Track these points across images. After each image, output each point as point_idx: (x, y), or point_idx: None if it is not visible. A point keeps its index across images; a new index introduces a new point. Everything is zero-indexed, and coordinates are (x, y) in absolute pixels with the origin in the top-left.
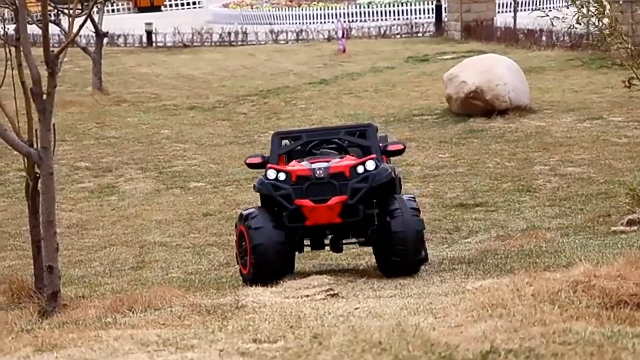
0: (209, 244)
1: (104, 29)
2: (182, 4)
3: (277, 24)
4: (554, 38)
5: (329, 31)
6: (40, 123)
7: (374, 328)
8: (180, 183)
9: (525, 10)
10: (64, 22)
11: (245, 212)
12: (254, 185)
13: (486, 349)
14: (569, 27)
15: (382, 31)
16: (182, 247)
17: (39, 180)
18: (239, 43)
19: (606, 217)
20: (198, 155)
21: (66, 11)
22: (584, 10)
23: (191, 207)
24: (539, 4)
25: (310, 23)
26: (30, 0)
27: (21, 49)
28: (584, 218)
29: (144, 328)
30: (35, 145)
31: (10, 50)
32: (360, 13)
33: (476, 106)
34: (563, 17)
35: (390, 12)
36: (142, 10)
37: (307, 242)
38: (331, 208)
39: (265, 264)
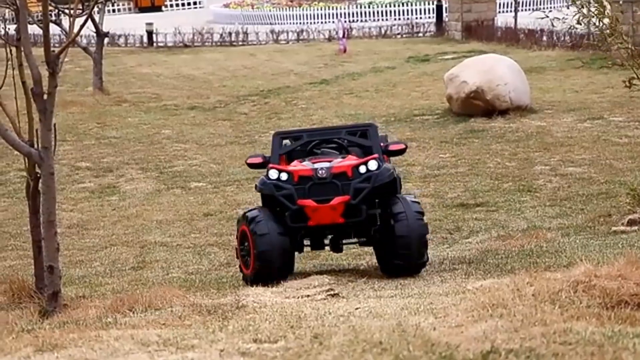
0: (210, 244)
1: (104, 29)
2: (183, 4)
3: (278, 24)
4: (555, 38)
5: (330, 31)
6: (41, 123)
7: (375, 328)
8: (181, 183)
9: (526, 10)
10: (65, 22)
11: (249, 214)
12: (256, 186)
13: (487, 349)
14: (570, 28)
15: (383, 31)
16: (182, 247)
17: (40, 180)
18: (240, 43)
19: (607, 217)
20: (199, 155)
21: (67, 11)
22: (584, 10)
23: (192, 207)
24: (540, 4)
25: (311, 23)
26: (31, 1)
27: (22, 49)
28: (585, 218)
29: (144, 328)
30: (36, 145)
31: (11, 50)
32: (361, 13)
33: (477, 106)
34: (563, 18)
35: (391, 12)
36: (142, 10)
37: (306, 242)
38: (334, 208)
39: (269, 267)
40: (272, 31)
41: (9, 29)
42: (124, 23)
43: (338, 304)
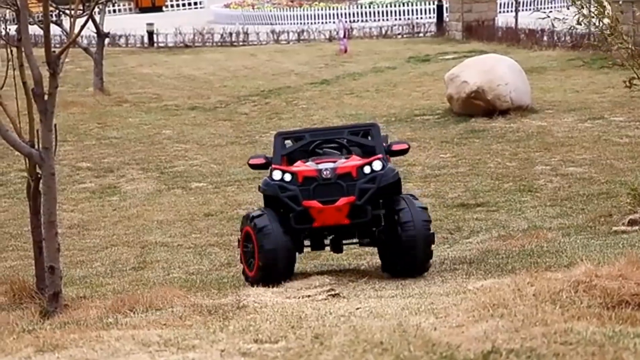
0: (210, 244)
1: (105, 29)
2: (184, 4)
3: (279, 24)
4: (555, 38)
5: (331, 31)
6: (41, 123)
7: (376, 328)
8: (182, 183)
9: (526, 10)
10: (66, 22)
11: (253, 216)
12: (259, 187)
13: (487, 349)
14: (570, 28)
15: (384, 31)
16: (183, 247)
17: (41, 181)
18: (241, 43)
19: (607, 217)
20: (199, 156)
21: (67, 12)
22: (585, 10)
23: (192, 207)
24: (540, 4)
25: (311, 23)
26: (31, 1)
27: (23, 49)
28: (586, 218)
29: (145, 328)
30: (36, 146)
31: (11, 51)
32: (362, 13)
33: (477, 106)
34: (564, 18)
35: (391, 12)
36: (143, 10)
37: (306, 242)
38: (339, 209)
39: (273, 268)
40: (272, 31)
41: (9, 29)
42: (125, 23)
43: (339, 304)
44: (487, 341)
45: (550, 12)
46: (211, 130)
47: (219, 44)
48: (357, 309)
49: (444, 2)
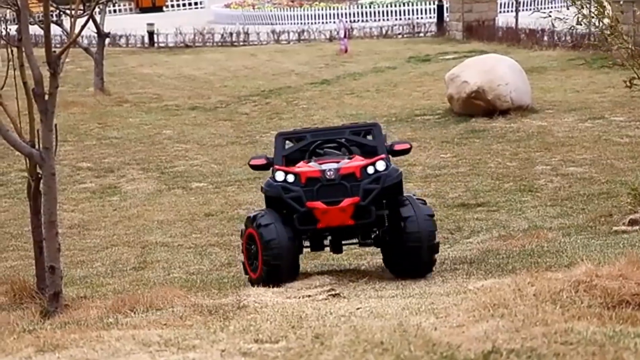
0: (211, 244)
1: (105, 29)
2: (184, 5)
3: (279, 24)
4: (556, 38)
5: (331, 31)
6: (42, 124)
7: (376, 328)
8: (182, 183)
9: (527, 10)
10: (66, 22)
11: (256, 217)
12: (262, 187)
13: (488, 349)
14: (570, 28)
15: (384, 31)
16: (183, 247)
17: (41, 181)
18: (241, 43)
19: (608, 217)
20: (200, 156)
21: (68, 12)
22: (585, 10)
23: (193, 207)
24: (540, 4)
25: (312, 23)
26: (32, 1)
27: (23, 49)
28: (586, 218)
29: (145, 328)
30: (37, 146)
31: (12, 51)
32: (362, 13)
33: (478, 106)
34: (564, 18)
35: (391, 12)
36: (143, 10)
37: (305, 242)
38: (343, 210)
39: (278, 270)
40: (273, 31)
41: (10, 29)
42: (125, 23)
43: (339, 304)
44: (487, 341)
45: (551, 12)
46: (211, 130)
47: (220, 44)
48: (358, 309)
49: (445, 2)
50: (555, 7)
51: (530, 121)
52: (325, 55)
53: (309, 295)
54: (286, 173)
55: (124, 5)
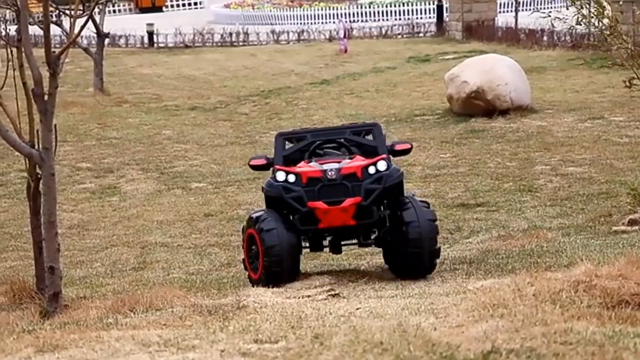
0: (210, 244)
1: (105, 29)
2: (184, 5)
3: (279, 24)
4: (555, 38)
5: (331, 31)
6: (41, 124)
7: (375, 328)
8: (182, 183)
9: (526, 10)
10: (66, 22)
11: (256, 217)
12: (262, 187)
13: (487, 349)
14: (570, 28)
15: (384, 31)
16: (183, 247)
17: (41, 181)
18: (241, 43)
19: (607, 217)
20: (199, 156)
21: (67, 12)
22: (584, 10)
23: (192, 207)
24: (540, 4)
25: (311, 23)
26: (31, 1)
27: (23, 49)
28: (585, 218)
29: (145, 329)
30: (36, 146)
31: (11, 51)
32: (362, 13)
33: (477, 106)
34: (564, 18)
35: (391, 12)
36: (143, 10)
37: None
38: (345, 210)
39: (279, 270)
40: (272, 31)
41: (9, 29)
42: (125, 24)
43: (339, 304)
44: (487, 341)
45: (550, 12)
46: (211, 130)
47: (219, 44)
48: (357, 309)
49: (444, 2)
50: (554, 7)
51: (529, 121)
52: (324, 55)
53: (309, 296)
54: (287, 173)
55: (124, 5)
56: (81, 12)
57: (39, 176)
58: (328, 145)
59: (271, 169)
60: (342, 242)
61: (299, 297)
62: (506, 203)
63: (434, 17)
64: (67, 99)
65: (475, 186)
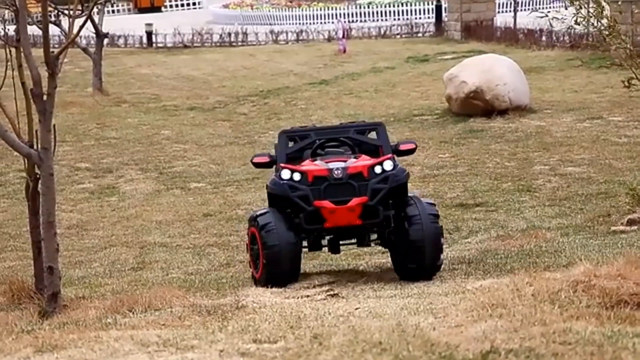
0: (209, 244)
1: (104, 29)
2: (182, 5)
3: (277, 24)
4: (554, 38)
5: (329, 31)
6: (40, 124)
7: (374, 328)
8: (181, 184)
9: (525, 10)
10: (64, 22)
11: (257, 217)
12: (267, 185)
13: (486, 348)
14: (569, 28)
15: (382, 31)
16: (182, 247)
17: (39, 181)
18: (239, 43)
19: (606, 216)
20: (198, 156)
21: (66, 12)
22: (583, 11)
23: (191, 207)
24: (539, 4)
25: (310, 23)
26: (30, 1)
27: (21, 49)
28: (584, 218)
29: (144, 329)
30: (35, 146)
31: (10, 51)
32: (361, 13)
33: (476, 106)
34: (562, 18)
35: (390, 12)
36: (142, 10)
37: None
38: (352, 209)
39: (278, 268)
40: (271, 32)
41: (8, 29)
42: (124, 24)
43: (338, 304)
44: (485, 341)
45: (549, 12)
46: (210, 130)
47: (218, 44)
48: (356, 309)
49: (443, 2)
50: (553, 7)
51: (528, 121)
52: (323, 55)
53: (308, 296)
54: (292, 171)
55: (123, 5)
56: (80, 12)
57: (38, 176)
58: (330, 144)
59: (274, 166)
60: (341, 242)
61: (298, 297)
62: (505, 203)
63: (432, 17)
64: (66, 99)
65: (474, 186)
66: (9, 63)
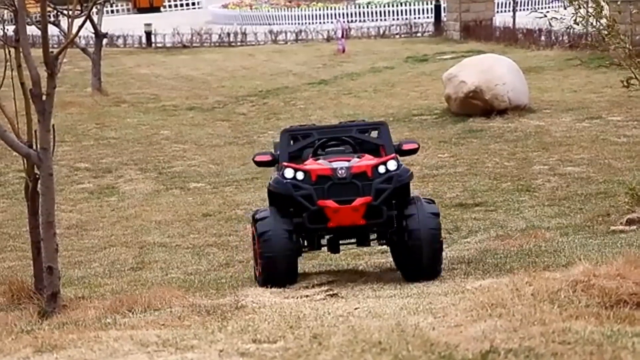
0: (209, 244)
1: (103, 29)
2: (182, 5)
3: (276, 24)
4: (553, 38)
5: (328, 31)
6: (39, 124)
7: (374, 328)
8: (180, 184)
9: (524, 10)
10: (63, 23)
11: (257, 216)
12: (269, 184)
13: (486, 348)
14: (568, 28)
15: (381, 31)
16: (181, 247)
17: (39, 181)
18: (238, 43)
19: (605, 216)
20: (197, 156)
21: (65, 12)
22: (582, 10)
23: (191, 207)
24: (538, 4)
25: (309, 23)
26: (29, 1)
27: (20, 50)
28: (584, 217)
29: (143, 329)
30: (34, 146)
31: (9, 52)
32: (360, 13)
33: (475, 106)
34: (561, 18)
35: (389, 12)
36: (141, 11)
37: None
38: (356, 209)
39: (274, 267)
40: (270, 32)
41: (7, 30)
42: (123, 24)
43: (337, 304)
44: (485, 341)
45: (548, 11)
46: (209, 130)
47: (217, 44)
48: (356, 308)
49: (442, 2)
50: (552, 7)
51: (527, 121)
52: (322, 55)
53: (307, 296)
54: (296, 170)
55: (122, 5)
56: (79, 12)
57: (37, 176)
58: (331, 143)
59: (276, 165)
60: (341, 242)
61: (297, 297)
62: (504, 203)
63: (431, 17)
64: (65, 99)
65: (473, 186)
66: (8, 63)
